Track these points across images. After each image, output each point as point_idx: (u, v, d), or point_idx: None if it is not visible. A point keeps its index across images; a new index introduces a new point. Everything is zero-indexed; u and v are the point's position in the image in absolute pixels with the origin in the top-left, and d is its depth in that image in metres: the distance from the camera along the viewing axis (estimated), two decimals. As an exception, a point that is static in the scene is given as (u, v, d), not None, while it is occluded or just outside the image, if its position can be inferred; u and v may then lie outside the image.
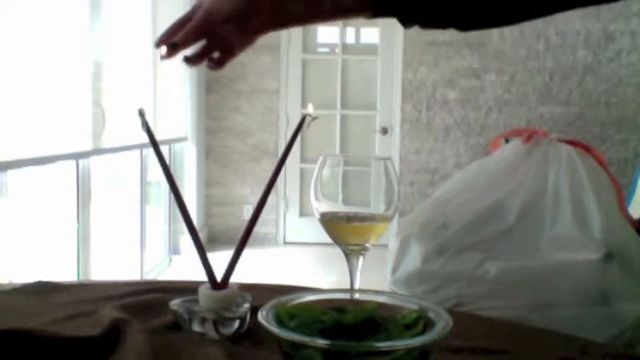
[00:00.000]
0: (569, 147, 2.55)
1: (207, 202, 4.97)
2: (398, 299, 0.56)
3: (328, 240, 0.74)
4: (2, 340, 0.59)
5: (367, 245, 0.72)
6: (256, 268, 4.03)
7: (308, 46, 5.00)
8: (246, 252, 0.69)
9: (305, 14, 0.67)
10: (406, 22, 0.68)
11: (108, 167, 3.47)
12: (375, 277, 1.89)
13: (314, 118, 0.70)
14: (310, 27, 4.88)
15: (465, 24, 0.68)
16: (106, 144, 2.86)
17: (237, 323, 0.66)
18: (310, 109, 0.72)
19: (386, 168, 0.71)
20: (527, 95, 4.78)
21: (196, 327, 0.66)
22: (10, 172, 2.28)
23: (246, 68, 4.80)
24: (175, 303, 0.68)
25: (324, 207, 0.72)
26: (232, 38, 0.69)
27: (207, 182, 4.95)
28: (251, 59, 4.78)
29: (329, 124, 4.92)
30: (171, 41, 0.69)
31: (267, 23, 0.67)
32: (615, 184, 2.58)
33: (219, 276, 0.68)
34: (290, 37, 4.84)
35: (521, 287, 2.15)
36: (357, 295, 0.59)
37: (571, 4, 0.64)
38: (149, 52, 3.62)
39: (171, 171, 0.72)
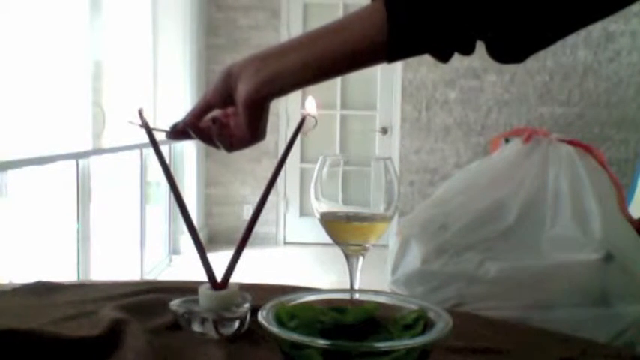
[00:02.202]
0: (569, 147, 2.55)
1: (207, 202, 4.97)
2: (398, 299, 0.56)
3: (328, 240, 0.74)
4: (2, 340, 0.59)
5: (367, 245, 0.72)
6: (256, 268, 4.03)
7: (308, 46, 5.00)
8: (246, 252, 0.69)
9: (295, 70, 0.61)
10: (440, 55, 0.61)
11: (108, 167, 3.47)
12: (375, 277, 1.89)
13: (314, 121, 0.70)
14: (309, 26, 4.88)
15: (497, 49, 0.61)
16: (106, 144, 2.86)
17: (237, 323, 0.66)
18: (310, 103, 0.72)
19: (386, 168, 0.71)
20: (527, 95, 4.78)
21: (196, 327, 0.66)
22: (10, 172, 2.28)
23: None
24: (175, 303, 0.68)
25: (324, 207, 0.72)
26: (235, 120, 0.66)
27: (207, 182, 4.95)
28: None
29: (329, 124, 4.92)
30: (174, 123, 0.68)
31: (251, 89, 0.61)
32: (615, 184, 2.58)
33: (219, 276, 0.68)
34: (290, 37, 4.84)
35: (521, 287, 2.15)
36: (357, 295, 0.59)
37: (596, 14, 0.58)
38: (149, 52, 3.62)
39: (171, 171, 0.72)
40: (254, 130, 0.64)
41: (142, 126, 0.67)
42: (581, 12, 0.58)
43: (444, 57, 0.61)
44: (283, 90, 0.62)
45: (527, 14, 0.57)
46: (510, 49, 0.60)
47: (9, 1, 2.12)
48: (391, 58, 0.60)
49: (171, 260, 4.37)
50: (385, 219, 0.72)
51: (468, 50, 0.60)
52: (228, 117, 0.67)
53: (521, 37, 0.59)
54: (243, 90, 0.62)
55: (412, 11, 0.57)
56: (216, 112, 0.67)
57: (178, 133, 0.68)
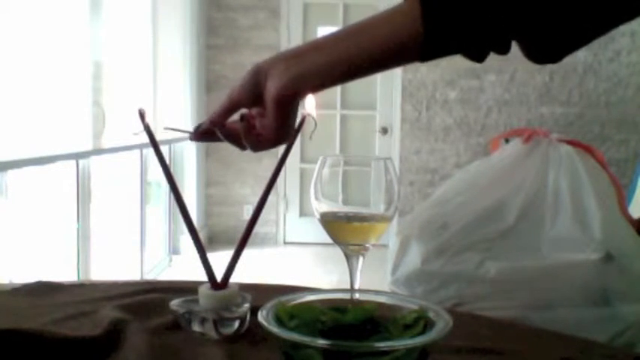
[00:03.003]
0: (569, 147, 2.55)
1: (207, 202, 4.97)
2: (398, 299, 0.56)
3: (328, 240, 0.74)
4: (2, 340, 0.59)
5: (367, 245, 0.72)
6: (256, 268, 4.03)
7: (308, 46, 4.99)
8: (246, 252, 0.69)
9: (327, 69, 0.60)
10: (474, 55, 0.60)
11: (108, 167, 3.47)
12: (375, 277, 1.89)
13: (315, 123, 0.70)
14: (309, 26, 4.89)
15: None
16: (106, 144, 2.86)
17: (237, 323, 0.66)
18: (310, 102, 0.72)
19: (386, 168, 0.71)
20: (527, 95, 4.78)
21: (196, 327, 0.66)
22: (10, 172, 2.27)
23: (246, 68, 4.78)
24: (175, 303, 0.68)
25: (324, 207, 0.72)
26: (262, 121, 0.64)
27: (207, 182, 4.95)
28: (251, 59, 4.78)
29: (329, 124, 4.92)
30: (199, 124, 0.68)
31: (282, 86, 0.61)
32: (615, 184, 2.57)
33: (219, 276, 0.68)
34: (290, 37, 4.84)
35: (521, 287, 2.15)
36: (357, 295, 0.59)
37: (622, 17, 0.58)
38: (149, 52, 3.62)
39: (171, 171, 0.71)
40: (282, 129, 0.63)
41: (145, 129, 0.67)
42: (616, 11, 0.57)
43: (478, 57, 0.60)
44: (314, 88, 0.61)
45: (564, 14, 0.56)
46: (547, 50, 0.60)
47: (9, 1, 2.12)
48: (424, 57, 0.59)
49: (171, 260, 4.37)
50: (385, 219, 0.72)
51: (503, 50, 0.59)
52: (253, 118, 0.66)
53: (557, 37, 0.58)
54: (273, 87, 0.61)
55: (448, 10, 0.56)
56: (241, 112, 0.66)
57: (202, 133, 0.68)
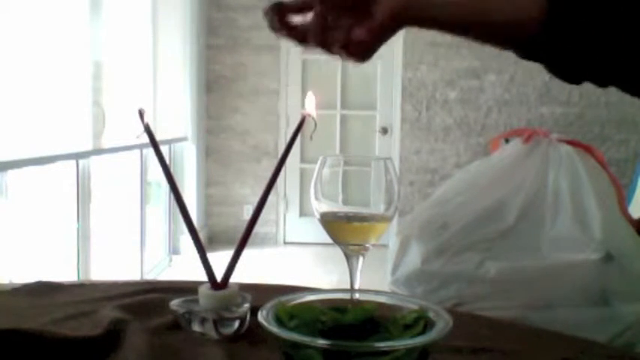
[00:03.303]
0: (569, 147, 2.55)
1: (207, 202, 4.97)
2: (398, 299, 0.56)
3: (328, 240, 0.74)
4: (2, 340, 0.59)
5: (367, 245, 0.72)
6: (256, 268, 4.03)
7: (308, 46, 5.00)
8: (246, 252, 0.69)
9: (448, 15, 0.61)
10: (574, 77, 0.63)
11: (108, 167, 3.47)
12: (375, 277, 1.89)
13: (314, 123, 0.70)
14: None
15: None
16: (106, 144, 2.86)
17: (237, 323, 0.66)
18: (310, 99, 0.72)
19: (386, 168, 0.71)
20: (527, 95, 4.78)
21: (196, 327, 0.66)
22: (10, 172, 2.28)
23: (246, 68, 4.80)
24: (175, 303, 0.68)
25: (324, 207, 0.72)
26: (355, 26, 0.62)
27: (207, 182, 4.95)
28: (251, 59, 4.79)
29: (329, 124, 4.92)
30: (277, 1, 0.63)
31: (395, 12, 0.61)
32: (615, 184, 2.57)
33: (219, 276, 0.68)
34: (290, 37, 4.84)
35: (521, 287, 2.15)
36: (357, 295, 0.59)
37: None
38: (149, 52, 3.62)
39: (171, 171, 0.71)
40: (380, 42, 0.62)
41: (145, 129, 0.67)
42: None
43: (574, 79, 0.64)
44: (431, 21, 0.62)
45: None
46: None
47: (9, 1, 2.12)
48: (527, 54, 0.63)
49: (171, 260, 4.37)
50: (385, 219, 0.72)
51: (601, 84, 0.62)
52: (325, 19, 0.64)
53: None
54: (385, 8, 0.61)
55: (572, 13, 0.58)
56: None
57: (283, 20, 0.64)
